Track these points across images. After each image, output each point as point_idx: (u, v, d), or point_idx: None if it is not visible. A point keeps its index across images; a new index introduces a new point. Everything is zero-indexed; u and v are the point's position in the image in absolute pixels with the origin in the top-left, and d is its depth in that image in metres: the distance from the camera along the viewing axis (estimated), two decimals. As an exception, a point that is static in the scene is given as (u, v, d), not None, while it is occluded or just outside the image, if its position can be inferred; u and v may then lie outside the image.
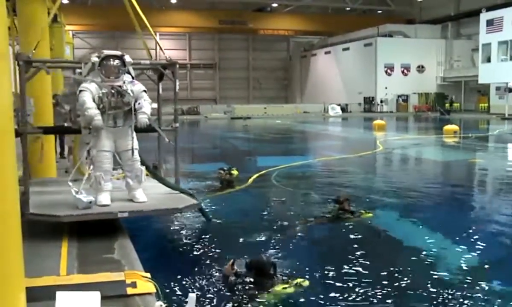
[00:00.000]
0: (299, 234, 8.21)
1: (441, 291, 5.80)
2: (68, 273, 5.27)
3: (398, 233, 8.33)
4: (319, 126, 39.03)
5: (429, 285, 5.96)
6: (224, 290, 5.84)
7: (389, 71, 55.91)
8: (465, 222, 9.15)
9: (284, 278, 5.96)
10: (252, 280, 5.87)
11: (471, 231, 8.28)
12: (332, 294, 5.74)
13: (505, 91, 43.89)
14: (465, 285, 5.99)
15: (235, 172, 12.45)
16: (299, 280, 5.84)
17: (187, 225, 8.94)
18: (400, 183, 13.36)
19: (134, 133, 7.29)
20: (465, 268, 6.66)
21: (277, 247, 7.42)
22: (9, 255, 3.45)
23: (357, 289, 5.85)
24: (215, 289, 5.86)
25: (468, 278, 6.25)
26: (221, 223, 8.88)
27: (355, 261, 6.80)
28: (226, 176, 12.16)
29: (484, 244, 7.61)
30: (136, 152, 7.32)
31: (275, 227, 8.52)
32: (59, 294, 3.92)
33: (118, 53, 7.44)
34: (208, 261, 6.84)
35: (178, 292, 5.74)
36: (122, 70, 7.25)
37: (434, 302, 5.55)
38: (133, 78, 7.52)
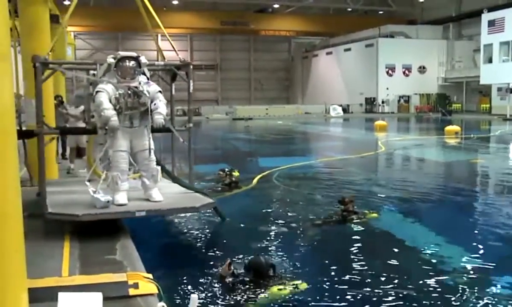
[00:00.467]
0: (303, 235, 8.18)
1: (444, 292, 5.78)
2: (70, 274, 5.28)
3: (402, 234, 8.29)
4: (320, 127, 39.02)
5: (431, 286, 5.95)
6: (219, 290, 5.80)
7: (390, 71, 55.87)
8: (468, 223, 9.15)
9: (282, 279, 5.92)
10: (248, 280, 5.85)
11: (474, 232, 8.29)
12: (328, 297, 5.69)
13: (507, 92, 43.84)
14: (468, 286, 5.96)
15: (236, 173, 12.44)
16: (296, 282, 5.81)
17: (191, 225, 8.94)
18: (403, 183, 13.33)
19: (150, 133, 7.41)
20: (468, 269, 6.63)
21: (280, 248, 7.40)
22: (11, 256, 3.45)
23: (355, 292, 5.79)
24: (209, 290, 5.82)
25: (472, 279, 6.23)
26: (227, 223, 8.88)
27: (356, 263, 6.76)
28: (226, 177, 12.14)
29: (487, 245, 7.61)
30: (152, 152, 7.43)
31: (279, 229, 8.50)
32: (61, 295, 3.93)
33: (134, 54, 7.57)
34: (211, 262, 6.82)
35: (181, 293, 5.73)
36: (137, 71, 7.40)
37: (437, 304, 5.53)
38: (148, 79, 7.65)
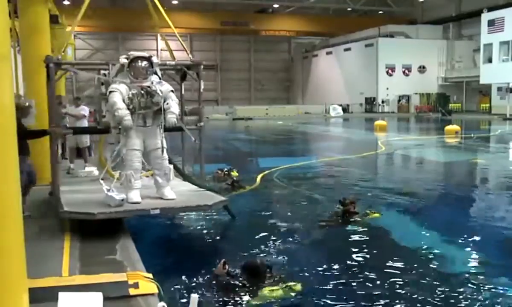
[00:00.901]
0: (305, 236, 8.14)
1: (446, 293, 5.77)
2: (71, 274, 5.28)
3: (404, 234, 8.25)
4: (320, 127, 39.00)
5: (432, 287, 5.93)
6: (212, 290, 5.77)
7: (390, 71, 55.87)
8: (470, 222, 9.15)
9: (277, 281, 5.87)
10: (243, 281, 5.84)
11: (476, 232, 8.25)
12: (322, 298, 5.65)
13: (507, 92, 43.82)
14: (471, 286, 5.95)
15: (234, 173, 12.42)
16: (290, 283, 5.77)
17: (192, 224, 8.95)
18: (404, 183, 13.30)
19: (163, 132, 7.52)
20: (471, 269, 6.63)
21: (281, 248, 7.39)
22: (12, 256, 3.45)
23: (351, 295, 5.75)
24: (202, 289, 5.78)
25: (474, 278, 6.22)
26: (229, 223, 8.88)
27: (356, 265, 6.73)
28: (224, 177, 12.12)
29: (490, 245, 7.62)
30: (165, 151, 7.55)
31: (281, 229, 8.47)
32: (61, 295, 3.93)
33: (146, 54, 7.69)
34: (212, 261, 6.80)
35: (181, 293, 5.72)
36: (150, 71, 7.52)
37: (439, 304, 5.53)
38: (160, 78, 7.77)
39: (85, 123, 13.04)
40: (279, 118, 48.36)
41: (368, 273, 6.37)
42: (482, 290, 5.83)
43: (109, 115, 7.63)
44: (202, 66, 8.64)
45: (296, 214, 9.52)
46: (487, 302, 5.56)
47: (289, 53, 74.53)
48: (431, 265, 6.69)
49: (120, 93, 7.22)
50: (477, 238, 7.92)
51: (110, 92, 7.28)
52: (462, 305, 5.51)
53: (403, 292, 5.81)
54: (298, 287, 5.72)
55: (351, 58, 59.67)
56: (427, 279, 6.15)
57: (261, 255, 6.99)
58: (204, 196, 7.98)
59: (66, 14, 20.64)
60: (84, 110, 13.46)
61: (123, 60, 7.54)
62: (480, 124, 38.65)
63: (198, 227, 8.74)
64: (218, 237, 8.25)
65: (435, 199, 11.35)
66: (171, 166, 7.78)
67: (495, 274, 6.37)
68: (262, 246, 7.44)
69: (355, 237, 8.00)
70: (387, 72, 55.79)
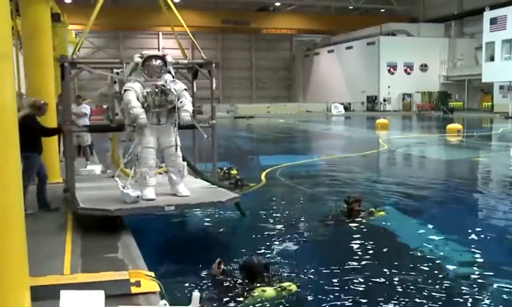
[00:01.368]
0: (308, 234, 8.11)
1: (448, 291, 5.76)
2: (72, 272, 5.29)
3: (407, 233, 8.22)
4: (322, 125, 38.97)
5: (435, 287, 5.90)
6: (207, 289, 5.74)
7: (392, 70, 55.78)
8: (473, 221, 9.12)
9: (273, 281, 5.82)
10: (239, 280, 5.84)
11: (479, 230, 8.23)
12: (316, 299, 5.61)
13: (509, 90, 43.75)
14: (475, 286, 5.93)
15: (234, 171, 12.42)
16: (286, 283, 5.72)
17: (193, 222, 8.95)
18: (407, 182, 13.23)
19: (177, 130, 7.62)
20: (474, 267, 6.61)
21: (282, 247, 7.38)
22: (13, 255, 3.46)
23: (350, 296, 5.70)
24: (198, 288, 5.68)
25: (477, 276, 6.22)
26: (232, 221, 8.89)
27: (358, 265, 6.68)
28: (224, 175, 12.13)
29: (492, 243, 7.62)
30: (179, 148, 7.66)
31: (283, 227, 8.46)
32: (63, 293, 3.92)
33: (160, 53, 7.85)
34: (213, 259, 6.79)
35: (183, 291, 5.71)
36: (164, 69, 7.65)
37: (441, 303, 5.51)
38: (173, 77, 7.86)
39: (86, 121, 13.08)
40: (281, 116, 48.37)
41: (368, 273, 6.33)
42: (486, 290, 5.80)
43: (124, 113, 7.76)
44: (214, 65, 8.78)
45: (299, 213, 9.50)
46: (493, 301, 5.53)
47: (290, 52, 74.46)
48: (434, 265, 6.63)
49: (134, 91, 7.33)
50: (481, 237, 7.88)
51: (125, 90, 7.39)
52: (465, 305, 5.49)
53: (403, 291, 5.80)
54: (293, 287, 5.68)
55: (353, 57, 59.58)
56: (429, 279, 6.10)
57: (263, 254, 6.96)
58: (217, 192, 8.10)
59: (67, 12, 20.67)
60: (85, 108, 13.49)
61: (137, 59, 7.64)
62: (482, 122, 38.59)
63: (201, 225, 8.76)
64: (221, 235, 8.25)
65: (439, 198, 11.32)
66: (185, 163, 7.91)
67: (500, 274, 6.33)
68: (265, 245, 7.43)
69: (359, 236, 7.94)
70: (389, 71, 55.71)
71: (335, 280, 6.13)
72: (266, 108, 53.07)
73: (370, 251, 7.21)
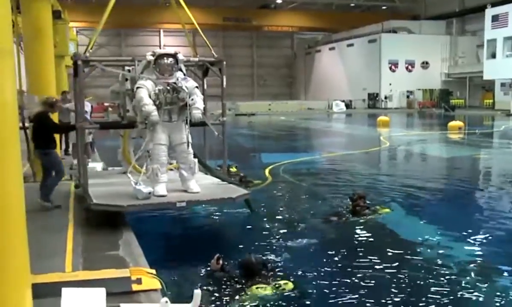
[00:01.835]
0: (310, 232, 8.07)
1: (453, 288, 5.75)
2: (74, 270, 5.29)
3: (411, 230, 8.19)
4: (323, 123, 38.93)
5: (439, 283, 5.90)
6: (206, 285, 5.74)
7: (393, 67, 55.73)
8: (476, 218, 9.10)
9: (269, 279, 5.80)
10: (236, 277, 5.84)
11: (481, 226, 8.25)
12: (310, 300, 5.58)
13: (510, 87, 43.67)
14: (478, 283, 5.93)
15: (233, 169, 12.41)
16: (281, 282, 5.72)
17: (194, 221, 8.94)
18: (411, 179, 13.20)
19: (188, 127, 7.72)
20: (476, 263, 6.61)
21: (283, 245, 7.36)
22: (15, 252, 3.45)
23: (349, 293, 5.68)
24: (196, 284, 5.65)
25: (479, 274, 6.22)
26: (235, 219, 8.89)
27: (360, 263, 6.65)
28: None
29: (495, 239, 7.60)
30: (190, 145, 7.76)
31: (286, 225, 8.44)
32: (64, 291, 3.92)
33: (172, 51, 7.94)
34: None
35: (184, 288, 5.70)
36: (175, 68, 7.77)
37: (443, 300, 5.49)
38: (184, 74, 7.95)
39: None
40: (282, 113, 48.32)
41: (370, 271, 6.32)
42: (491, 288, 5.78)
43: (136, 111, 7.86)
44: (224, 63, 8.85)
45: (302, 210, 9.50)
46: (496, 298, 5.52)
47: (291, 49, 74.39)
48: (438, 263, 6.61)
49: (146, 89, 7.44)
50: (485, 234, 7.86)
51: (137, 88, 7.50)
52: (469, 303, 5.48)
53: (406, 289, 5.79)
54: (290, 285, 5.68)
55: (354, 54, 59.51)
56: (433, 277, 6.08)
57: (265, 251, 6.97)
58: (227, 189, 8.18)
59: (68, 9, 20.65)
60: (86, 105, 13.47)
61: (149, 57, 7.75)
62: (484, 119, 38.53)
63: (204, 222, 8.76)
64: (224, 232, 8.29)
65: (442, 195, 11.31)
66: (196, 160, 7.99)
67: (503, 272, 6.33)
68: (267, 242, 7.43)
69: (363, 233, 7.91)
70: (390, 68, 55.66)
71: (337, 278, 6.12)
72: (268, 106, 53.05)
73: (374, 249, 7.19)
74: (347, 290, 5.76)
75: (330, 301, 5.56)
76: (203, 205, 8.86)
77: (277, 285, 5.64)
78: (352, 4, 62.30)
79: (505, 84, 45.94)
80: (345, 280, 6.06)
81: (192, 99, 7.58)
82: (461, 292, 5.69)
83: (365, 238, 7.70)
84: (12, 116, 3.42)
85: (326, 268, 6.45)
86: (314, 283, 6.01)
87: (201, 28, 9.01)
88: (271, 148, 21.83)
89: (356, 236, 7.83)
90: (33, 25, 10.61)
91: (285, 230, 8.11)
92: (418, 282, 5.97)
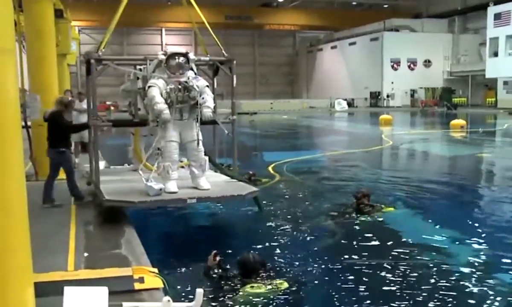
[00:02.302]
0: (312, 230, 8.04)
1: (456, 287, 5.74)
2: (76, 269, 5.29)
3: (413, 230, 8.15)
4: (325, 121, 38.92)
5: (443, 282, 5.88)
6: (203, 282, 5.71)
7: (395, 65, 55.68)
8: (479, 217, 9.08)
9: (264, 278, 5.78)
10: (233, 275, 5.83)
11: (485, 225, 8.23)
12: (306, 299, 5.56)
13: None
14: (481, 281, 5.91)
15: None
16: (276, 281, 5.71)
17: (195, 220, 8.93)
18: (414, 177, 13.17)
19: (199, 125, 7.82)
20: (479, 262, 6.58)
21: (283, 244, 7.34)
22: (17, 251, 3.44)
23: (350, 292, 5.65)
24: (194, 282, 5.65)
25: (481, 273, 6.19)
26: (239, 217, 8.90)
27: (358, 261, 6.64)
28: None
29: (499, 239, 7.57)
30: (201, 143, 7.89)
31: (288, 223, 8.41)
32: (67, 289, 3.92)
33: (183, 51, 8.10)
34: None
35: (187, 287, 5.69)
36: (186, 67, 7.89)
37: (445, 299, 5.48)
38: (195, 73, 8.09)
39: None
40: (284, 112, 48.31)
41: (372, 270, 6.30)
42: (495, 288, 5.76)
43: (148, 109, 7.96)
44: (234, 62, 8.98)
45: (306, 208, 9.49)
46: (497, 297, 5.50)
47: (293, 48, 74.35)
48: (441, 262, 6.58)
49: (158, 88, 7.55)
50: (487, 234, 7.82)
51: (149, 87, 7.60)
52: (472, 302, 5.46)
53: (408, 288, 5.77)
54: (285, 285, 5.66)
55: (356, 52, 59.48)
56: (437, 276, 6.05)
57: (267, 250, 6.96)
58: (237, 186, 8.27)
59: (70, 8, 20.64)
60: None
61: (160, 56, 7.85)
62: (486, 118, 38.45)
63: (207, 221, 8.77)
64: (226, 230, 8.28)
65: (445, 194, 11.25)
66: (207, 158, 8.10)
67: (507, 271, 6.31)
68: (269, 241, 7.41)
69: (367, 232, 7.87)
70: (392, 66, 55.60)
71: (340, 276, 6.11)
72: (269, 104, 53.08)
73: (377, 247, 7.19)
74: (347, 290, 5.73)
75: (327, 299, 5.53)
76: (209, 203, 8.85)
77: (271, 285, 5.63)
78: (354, 3, 62.26)
79: (508, 82, 45.86)
80: (349, 277, 6.04)
81: (203, 98, 7.70)
82: (464, 292, 5.67)
83: (369, 237, 7.67)
84: (14, 114, 3.41)
85: (328, 266, 6.43)
86: (314, 282, 5.99)
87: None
88: (274, 147, 21.83)
89: (360, 234, 7.80)
90: (35, 24, 10.60)
91: (289, 228, 8.10)
92: (422, 281, 5.94)
